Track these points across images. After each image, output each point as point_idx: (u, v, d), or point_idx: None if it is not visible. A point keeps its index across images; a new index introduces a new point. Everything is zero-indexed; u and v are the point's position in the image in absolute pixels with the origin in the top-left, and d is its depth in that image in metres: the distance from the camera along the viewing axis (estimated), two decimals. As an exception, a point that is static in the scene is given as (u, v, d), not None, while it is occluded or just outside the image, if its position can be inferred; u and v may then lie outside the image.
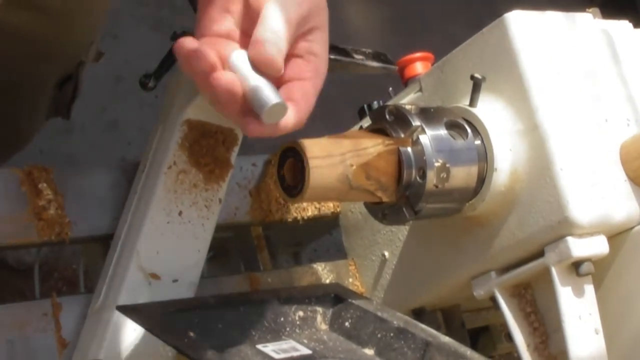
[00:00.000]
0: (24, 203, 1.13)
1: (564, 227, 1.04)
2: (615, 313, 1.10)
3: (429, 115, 1.07)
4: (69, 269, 1.87)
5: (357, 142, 1.03)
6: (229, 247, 1.39)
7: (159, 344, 0.98)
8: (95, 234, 1.17)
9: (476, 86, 1.08)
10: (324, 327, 1.10)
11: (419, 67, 1.25)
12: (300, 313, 1.08)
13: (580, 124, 1.08)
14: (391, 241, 1.23)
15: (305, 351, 1.03)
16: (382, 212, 1.08)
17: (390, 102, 1.21)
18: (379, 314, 1.08)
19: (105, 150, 2.12)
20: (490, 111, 1.08)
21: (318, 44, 0.93)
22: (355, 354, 1.06)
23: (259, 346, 1.02)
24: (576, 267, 1.05)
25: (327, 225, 1.37)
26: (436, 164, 1.03)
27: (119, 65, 2.17)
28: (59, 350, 1.10)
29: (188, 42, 0.89)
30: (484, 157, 1.07)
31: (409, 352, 1.04)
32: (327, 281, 1.28)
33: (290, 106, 0.91)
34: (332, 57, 1.28)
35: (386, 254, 1.24)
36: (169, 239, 1.13)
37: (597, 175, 1.07)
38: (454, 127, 1.07)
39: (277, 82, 0.92)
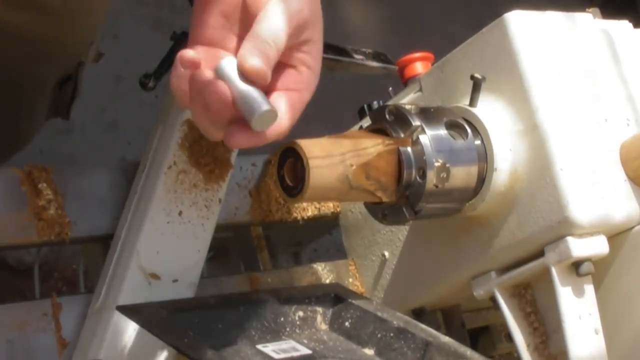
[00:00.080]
0: (24, 203, 1.13)
1: (564, 227, 1.04)
2: (615, 313, 1.10)
3: (429, 115, 1.07)
4: (69, 269, 1.87)
5: (357, 142, 1.03)
6: (229, 247, 1.39)
7: (159, 344, 0.98)
8: (95, 234, 1.17)
9: (476, 86, 1.08)
10: (324, 327, 1.10)
11: (419, 67, 1.25)
12: (300, 313, 1.08)
13: (580, 124, 1.08)
14: (391, 241, 1.23)
15: (305, 351, 1.03)
16: (382, 212, 1.08)
17: (390, 102, 1.21)
18: (379, 314, 1.08)
19: (105, 150, 2.12)
20: (490, 111, 1.08)
21: (311, 57, 0.93)
22: (355, 354, 1.06)
23: (259, 346, 1.02)
24: (576, 267, 1.05)
25: (327, 225, 1.37)
26: (436, 164, 1.03)
27: (119, 65, 2.17)
28: (59, 350, 1.10)
29: (189, 55, 0.89)
30: (484, 157, 1.07)
31: (409, 352, 1.04)
32: (327, 281, 1.28)
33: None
34: (332, 57, 1.28)
35: (386, 254, 1.24)
36: (169, 239, 1.13)
37: (597, 175, 1.07)
38: (454, 127, 1.07)
39: (266, 89, 0.91)
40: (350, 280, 1.29)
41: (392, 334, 1.06)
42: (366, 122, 1.13)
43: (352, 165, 1.00)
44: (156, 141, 1.17)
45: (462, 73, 1.11)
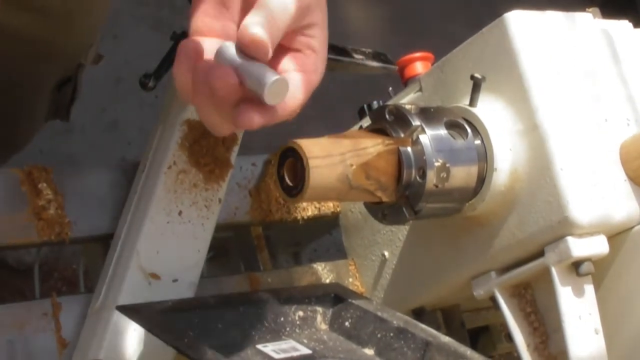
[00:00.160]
0: (24, 203, 1.13)
1: (564, 227, 1.04)
2: (615, 313, 1.10)
3: (429, 115, 1.07)
4: (69, 269, 1.87)
5: (357, 142, 1.03)
6: (229, 247, 1.39)
7: (159, 344, 0.98)
8: (95, 234, 1.17)
9: (476, 86, 1.08)
10: (324, 327, 1.10)
11: (419, 67, 1.25)
12: (300, 313, 1.08)
13: (580, 124, 1.08)
14: (391, 241, 1.23)
15: (305, 351, 1.03)
16: (382, 212, 1.08)
17: (390, 102, 1.21)
18: (379, 314, 1.08)
19: (105, 150, 2.12)
20: (490, 111, 1.08)
21: (317, 41, 0.92)
22: (355, 354, 1.06)
23: (259, 346, 1.02)
24: (576, 267, 1.05)
25: (327, 225, 1.37)
26: (436, 164, 1.03)
27: (119, 65, 2.17)
28: (59, 350, 1.10)
29: (190, 45, 0.88)
30: (484, 157, 1.07)
31: (409, 352, 1.04)
32: (327, 281, 1.28)
33: (288, 95, 0.88)
34: (332, 57, 1.28)
35: (386, 254, 1.24)
36: (169, 239, 1.13)
37: (597, 175, 1.07)
38: (453, 127, 1.07)
39: (276, 71, 0.89)
40: (350, 280, 1.29)
41: (392, 334, 1.06)
42: (366, 122, 1.13)
43: (352, 165, 1.00)
44: (156, 141, 1.17)
45: (462, 73, 1.11)
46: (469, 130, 1.07)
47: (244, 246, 1.35)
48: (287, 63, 0.91)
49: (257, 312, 1.06)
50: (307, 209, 1.31)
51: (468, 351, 1.03)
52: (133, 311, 1.01)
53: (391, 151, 1.04)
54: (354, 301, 1.10)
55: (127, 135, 2.14)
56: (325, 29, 0.93)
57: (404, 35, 2.56)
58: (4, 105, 1.28)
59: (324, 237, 1.46)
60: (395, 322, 1.07)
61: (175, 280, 1.12)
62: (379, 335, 1.07)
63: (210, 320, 1.02)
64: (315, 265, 1.29)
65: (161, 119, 1.18)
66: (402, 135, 1.05)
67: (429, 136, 1.05)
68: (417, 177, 1.04)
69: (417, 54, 1.26)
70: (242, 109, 0.87)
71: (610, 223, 1.07)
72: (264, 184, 1.28)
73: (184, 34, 1.18)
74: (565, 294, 1.05)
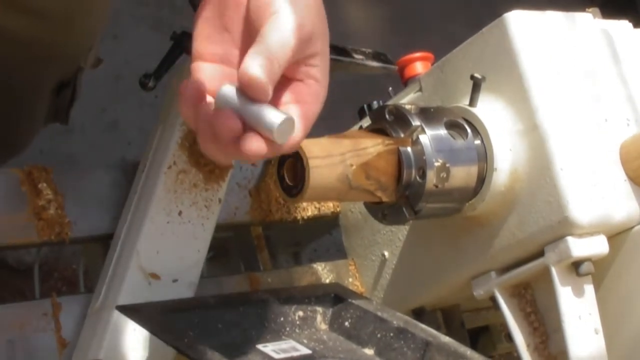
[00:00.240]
0: (24, 203, 1.13)
1: (564, 227, 1.04)
2: (615, 313, 1.10)
3: (428, 115, 1.07)
4: (69, 269, 1.87)
5: (357, 142, 1.03)
6: (229, 247, 1.39)
7: (159, 344, 0.98)
8: (95, 234, 1.17)
9: (476, 86, 1.08)
10: (323, 327, 1.10)
11: (419, 67, 1.25)
12: (300, 313, 1.08)
13: (580, 124, 1.08)
14: (391, 241, 1.23)
15: (305, 351, 1.03)
16: (382, 212, 1.08)
17: (390, 102, 1.21)
18: (379, 314, 1.08)
19: (105, 150, 2.11)
20: (490, 111, 1.08)
21: (319, 70, 0.91)
22: (355, 354, 1.06)
23: (259, 346, 1.02)
24: (576, 267, 1.05)
25: (327, 225, 1.37)
26: (436, 164, 1.03)
27: (119, 65, 2.17)
28: (59, 350, 1.10)
29: (194, 89, 0.88)
30: (484, 157, 1.07)
31: (409, 352, 1.04)
32: (327, 281, 1.28)
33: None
34: (332, 57, 1.28)
35: (386, 254, 1.24)
36: (169, 239, 1.13)
37: (597, 175, 1.07)
38: (453, 127, 1.07)
39: (275, 104, 0.89)
40: (350, 280, 1.29)
41: (392, 334, 1.06)
42: (366, 122, 1.13)
43: (352, 165, 1.00)
44: (156, 141, 1.17)
45: (462, 73, 1.11)
46: (469, 130, 1.08)
47: (244, 246, 1.35)
48: (287, 96, 0.90)
49: (257, 312, 1.06)
50: (307, 209, 1.31)
51: (468, 351, 1.03)
52: (133, 311, 1.01)
53: (391, 151, 1.04)
54: (354, 301, 1.10)
55: (127, 135, 2.14)
56: (327, 56, 0.93)
57: (404, 35, 2.56)
58: (2, 107, 1.28)
59: (324, 237, 1.46)
60: (395, 322, 1.07)
61: (175, 280, 1.12)
62: (379, 335, 1.07)
63: (210, 320, 1.02)
64: (315, 265, 1.29)
65: (161, 119, 1.18)
66: (402, 135, 1.05)
67: (429, 136, 1.05)
68: (417, 177, 1.04)
69: (417, 54, 1.26)
70: (249, 138, 0.86)
71: (610, 223, 1.07)
72: (264, 184, 1.28)
73: (184, 34, 1.19)
74: (565, 294, 1.05)
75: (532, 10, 1.10)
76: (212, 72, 0.90)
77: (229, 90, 0.86)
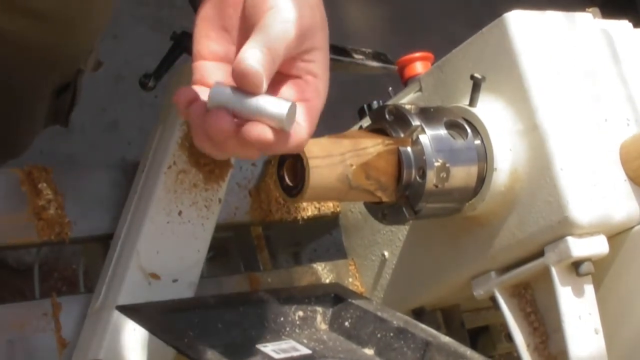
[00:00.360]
0: (24, 203, 1.13)
1: (564, 227, 1.04)
2: (615, 313, 1.10)
3: (428, 115, 1.07)
4: (69, 269, 1.87)
5: (357, 142, 1.03)
6: (229, 247, 1.39)
7: (159, 344, 0.98)
8: (95, 234, 1.17)
9: (476, 86, 1.08)
10: (323, 327, 1.10)
11: (419, 66, 1.25)
12: (300, 313, 1.08)
13: (580, 124, 1.08)
14: (391, 241, 1.23)
15: (305, 351, 1.03)
16: (382, 212, 1.08)
17: (390, 102, 1.21)
18: (379, 313, 1.08)
19: (105, 150, 2.11)
20: (490, 111, 1.08)
21: (317, 65, 0.90)
22: (355, 354, 1.06)
23: (259, 346, 1.02)
24: (576, 267, 1.05)
25: (327, 225, 1.37)
26: (436, 164, 1.03)
27: (119, 65, 2.17)
28: (59, 350, 1.10)
29: (186, 94, 0.87)
30: (484, 157, 1.07)
31: (408, 352, 1.04)
32: (327, 281, 1.28)
33: (294, 126, 0.86)
34: (332, 57, 1.28)
35: (386, 254, 1.24)
36: (169, 239, 1.13)
37: (597, 175, 1.07)
38: (453, 127, 1.07)
39: None
40: (350, 280, 1.29)
41: (392, 334, 1.06)
42: (366, 122, 1.13)
43: (352, 165, 1.00)
44: (156, 141, 1.17)
45: (462, 73, 1.11)
46: (468, 130, 1.08)
47: (244, 246, 1.35)
48: (287, 94, 0.89)
49: (257, 312, 1.06)
50: (307, 209, 1.31)
51: (468, 351, 1.03)
52: (133, 311, 1.01)
53: (391, 151, 1.04)
54: (354, 301, 1.10)
55: (127, 135, 2.14)
56: (326, 51, 0.91)
57: (404, 35, 2.56)
58: (2, 108, 1.28)
59: (324, 237, 1.46)
60: (395, 322, 1.07)
61: (175, 280, 1.12)
62: (379, 335, 1.07)
63: (210, 320, 1.02)
64: (315, 265, 1.29)
65: (161, 119, 1.18)
66: (402, 135, 1.05)
67: (429, 136, 1.05)
68: (417, 177, 1.04)
69: (417, 54, 1.26)
70: (252, 126, 0.84)
71: (610, 223, 1.07)
72: (264, 184, 1.28)
73: (184, 34, 1.19)
74: (565, 294, 1.05)
75: (532, 10, 1.10)
76: (214, 70, 0.90)
77: (222, 89, 0.85)
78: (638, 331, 1.10)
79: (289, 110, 0.84)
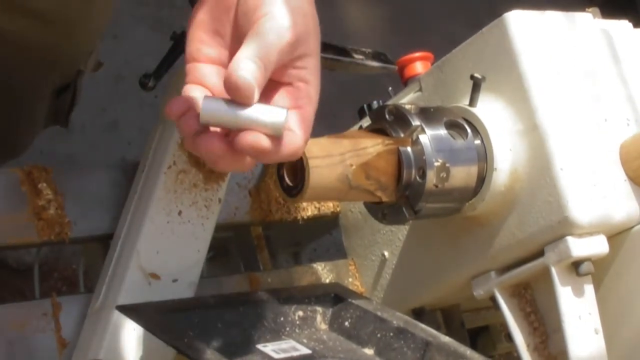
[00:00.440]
0: (24, 203, 1.13)
1: (563, 227, 1.04)
2: (615, 313, 1.10)
3: (428, 115, 1.07)
4: (69, 269, 1.87)
5: (357, 142, 1.03)
6: (229, 247, 1.39)
7: (159, 344, 0.98)
8: (95, 234, 1.17)
9: (476, 86, 1.08)
10: (323, 326, 1.10)
11: (419, 66, 1.25)
12: (300, 313, 1.08)
13: (580, 124, 1.08)
14: (391, 241, 1.23)
15: (305, 351, 1.03)
16: (382, 212, 1.08)
17: (390, 102, 1.21)
18: (379, 313, 1.08)
19: (105, 150, 2.11)
20: (490, 111, 1.08)
21: (308, 71, 0.90)
22: (355, 354, 1.06)
23: (259, 346, 1.02)
24: (576, 267, 1.05)
25: (327, 225, 1.37)
26: (436, 164, 1.03)
27: (119, 65, 2.17)
28: (59, 350, 1.10)
29: (178, 105, 0.87)
30: (484, 157, 1.07)
31: (408, 352, 1.04)
32: (327, 281, 1.28)
33: (288, 134, 0.86)
34: (332, 56, 1.29)
35: (386, 253, 1.24)
36: (169, 238, 1.13)
37: (597, 175, 1.07)
38: (453, 126, 1.07)
39: None
40: (350, 280, 1.29)
41: (392, 334, 1.06)
42: (366, 122, 1.13)
43: (351, 165, 1.00)
44: (156, 141, 1.17)
45: (462, 73, 1.11)
46: (468, 130, 1.08)
47: (244, 246, 1.35)
48: (280, 102, 0.89)
49: (257, 312, 1.06)
50: (307, 209, 1.31)
51: (468, 351, 1.03)
52: (133, 311, 1.01)
53: (391, 151, 1.04)
54: (353, 301, 1.10)
55: (127, 135, 2.14)
56: (317, 56, 0.91)
57: (404, 35, 2.56)
58: (2, 108, 1.28)
59: (324, 237, 1.46)
60: (395, 322, 1.07)
61: (175, 280, 1.12)
62: (378, 335, 1.07)
63: (210, 320, 1.02)
64: (315, 265, 1.29)
65: (161, 119, 1.18)
66: (402, 135, 1.05)
67: (429, 136, 1.05)
68: (417, 177, 1.04)
69: (417, 54, 1.26)
70: (246, 135, 0.84)
71: (610, 223, 1.07)
72: (264, 184, 1.28)
73: (184, 34, 1.18)
74: (565, 294, 1.05)
75: (532, 10, 1.10)
76: (207, 71, 0.90)
77: (213, 102, 0.85)
78: (638, 331, 1.10)
79: (285, 117, 0.85)
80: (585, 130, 1.08)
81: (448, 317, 1.23)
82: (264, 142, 0.85)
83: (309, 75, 0.90)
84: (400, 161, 1.04)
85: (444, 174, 1.04)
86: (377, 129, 1.07)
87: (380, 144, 1.04)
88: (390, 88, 1.26)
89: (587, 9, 1.16)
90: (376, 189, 1.03)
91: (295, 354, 1.02)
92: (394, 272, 1.23)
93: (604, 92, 1.11)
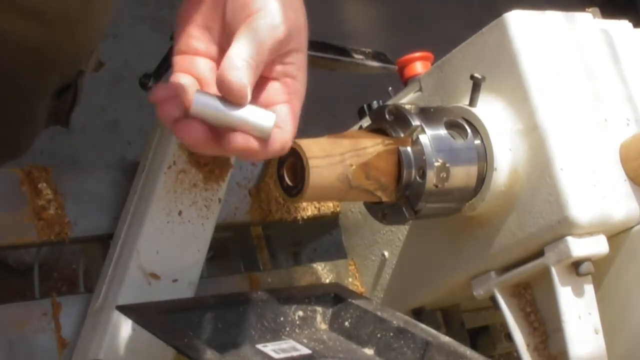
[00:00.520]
0: (24, 203, 1.13)
1: (563, 227, 1.04)
2: (615, 313, 1.10)
3: (428, 115, 1.07)
4: (69, 269, 1.87)
5: (357, 142, 1.03)
6: (229, 247, 1.39)
7: (159, 344, 0.98)
8: (95, 234, 1.17)
9: (476, 86, 1.08)
10: (323, 326, 1.10)
11: (419, 66, 1.25)
12: (300, 313, 1.08)
13: (580, 124, 1.08)
14: (391, 241, 1.23)
15: (305, 351, 1.03)
16: (382, 212, 1.08)
17: (390, 102, 1.21)
18: (379, 313, 1.08)
19: (105, 150, 2.11)
20: (490, 111, 1.08)
21: (295, 67, 0.91)
22: (355, 354, 1.06)
23: (259, 346, 1.02)
24: (576, 267, 1.05)
25: (327, 225, 1.37)
26: (436, 164, 1.03)
27: (119, 65, 2.16)
28: (59, 350, 1.10)
29: (162, 92, 0.87)
30: (484, 157, 1.07)
31: (408, 352, 1.04)
32: (327, 281, 1.28)
33: (275, 130, 0.88)
34: (332, 57, 1.28)
35: (386, 253, 1.24)
36: (169, 238, 1.13)
37: (597, 175, 1.07)
38: (453, 126, 1.07)
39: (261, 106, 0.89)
40: (350, 280, 1.29)
41: (391, 334, 1.06)
42: (366, 122, 1.13)
43: (351, 165, 1.00)
44: (156, 141, 1.17)
45: (462, 73, 1.11)
46: (468, 130, 1.08)
47: (244, 246, 1.35)
48: (271, 97, 0.89)
49: (257, 312, 1.06)
50: (307, 209, 1.31)
51: (468, 351, 1.03)
52: (133, 311, 1.01)
53: (391, 151, 1.04)
54: (353, 301, 1.10)
55: (127, 135, 2.14)
56: (305, 53, 0.92)
57: (404, 35, 2.56)
58: (3, 109, 1.28)
59: (324, 237, 1.46)
60: (395, 322, 1.07)
61: (175, 280, 1.12)
62: (378, 335, 1.07)
63: (210, 320, 1.02)
64: (315, 265, 1.29)
65: (161, 119, 1.18)
66: (402, 135, 1.05)
67: (429, 136, 1.05)
68: (417, 177, 1.04)
69: (417, 54, 1.26)
70: (236, 137, 0.86)
71: (610, 223, 1.07)
72: (264, 184, 1.28)
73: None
74: (565, 294, 1.05)
75: (532, 10, 1.10)
76: (196, 61, 0.90)
77: (205, 98, 0.85)
78: (638, 331, 1.10)
79: (274, 122, 0.86)
80: (585, 130, 1.08)
81: (448, 317, 1.23)
82: (253, 144, 0.86)
83: (296, 71, 0.91)
84: (400, 161, 1.04)
85: (444, 174, 1.04)
86: (377, 129, 1.07)
87: (380, 144, 1.04)
88: (390, 88, 1.26)
89: (587, 9, 1.16)
90: (376, 189, 1.03)
91: (295, 354, 1.02)
92: (394, 272, 1.23)
93: (604, 92, 1.11)
